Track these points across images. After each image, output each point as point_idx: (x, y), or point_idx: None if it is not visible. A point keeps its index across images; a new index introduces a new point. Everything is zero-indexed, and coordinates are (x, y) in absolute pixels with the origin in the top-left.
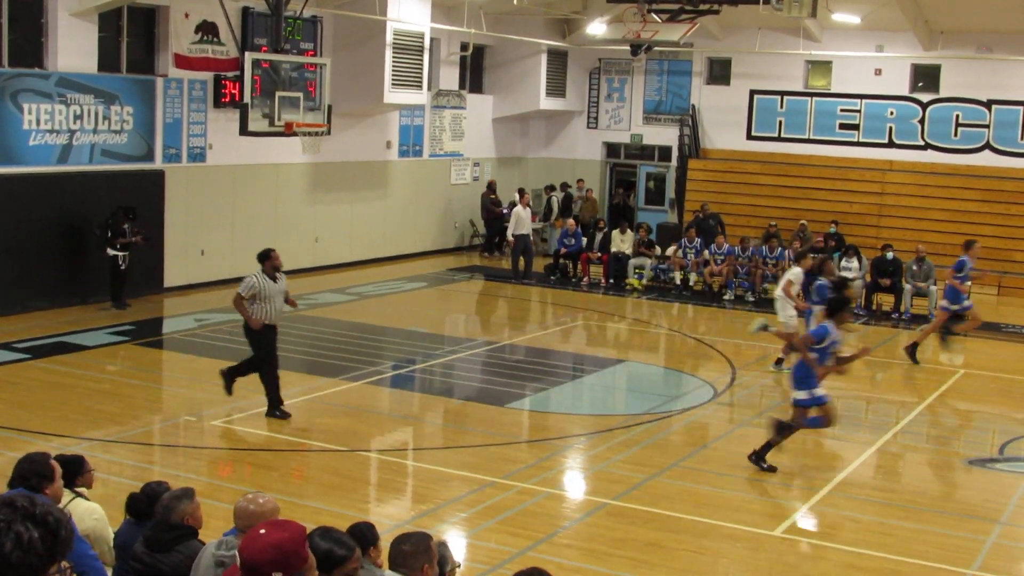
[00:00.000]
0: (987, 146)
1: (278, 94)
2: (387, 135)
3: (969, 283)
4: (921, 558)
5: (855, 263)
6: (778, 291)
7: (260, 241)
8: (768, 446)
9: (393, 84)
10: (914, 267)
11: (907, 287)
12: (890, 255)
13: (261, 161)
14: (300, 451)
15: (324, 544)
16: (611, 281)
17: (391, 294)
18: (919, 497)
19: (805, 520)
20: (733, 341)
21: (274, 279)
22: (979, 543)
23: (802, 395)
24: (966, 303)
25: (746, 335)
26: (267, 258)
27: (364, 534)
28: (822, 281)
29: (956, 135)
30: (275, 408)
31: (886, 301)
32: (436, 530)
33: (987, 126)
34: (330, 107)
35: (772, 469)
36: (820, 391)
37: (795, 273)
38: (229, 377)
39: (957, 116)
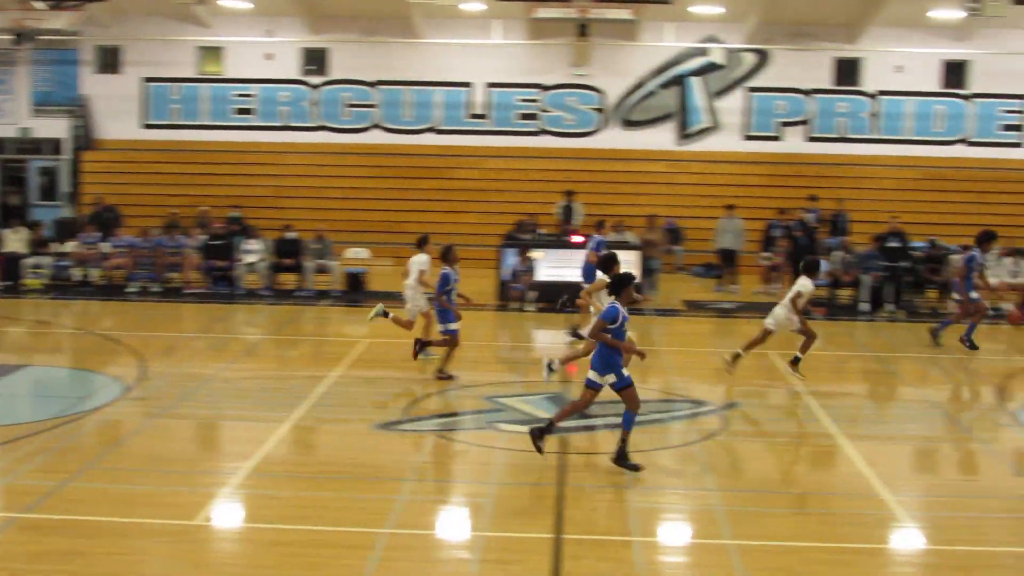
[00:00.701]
0: (376, 125)
1: None
2: None
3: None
4: (341, 524)
5: (255, 245)
6: (410, 280)
7: None
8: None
9: None
10: (314, 245)
11: (309, 265)
12: (291, 235)
13: None
14: None
15: None
16: (7, 283)
17: None
18: (334, 466)
19: (225, 505)
20: (140, 334)
21: None
22: (391, 502)
23: (611, 378)
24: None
25: (152, 326)
26: None
27: None
28: (447, 270)
29: (346, 115)
30: None
31: (289, 280)
32: None
33: (375, 105)
34: None
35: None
36: (627, 372)
37: (422, 260)
38: None
39: (346, 97)
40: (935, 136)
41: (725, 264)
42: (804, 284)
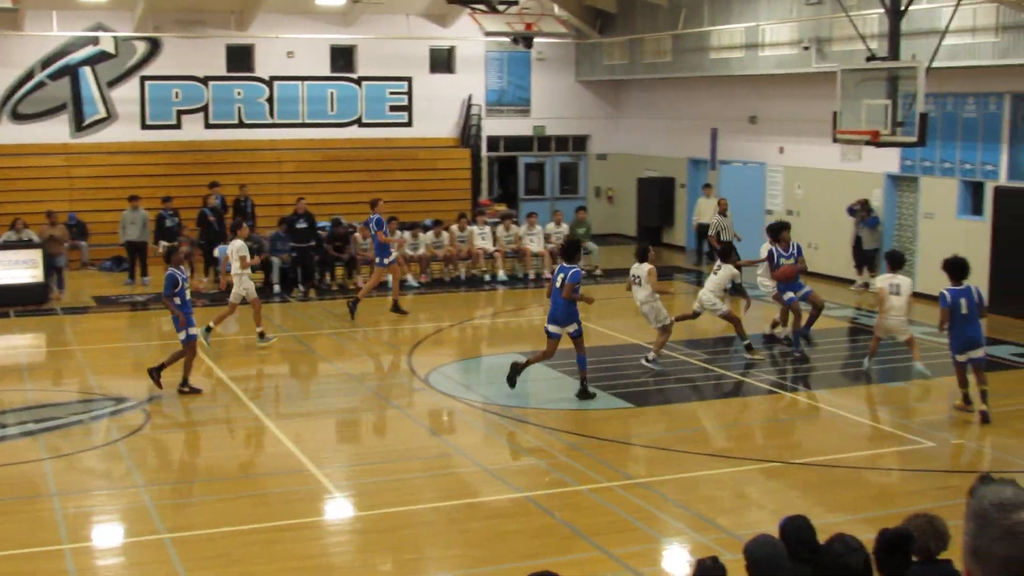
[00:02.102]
0: None
1: None
2: None
3: (394, 237)
4: None
5: None
6: (235, 270)
7: None
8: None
9: None
10: None
11: None
12: None
13: None
14: None
15: None
16: None
17: None
18: None
19: None
20: None
21: None
22: None
23: (575, 327)
24: (391, 259)
25: None
26: None
27: None
28: (173, 270)
29: None
30: None
31: None
32: None
33: None
34: None
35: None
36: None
37: (238, 246)
38: None
39: None
40: (330, 119)
41: (133, 256)
42: (730, 268)
